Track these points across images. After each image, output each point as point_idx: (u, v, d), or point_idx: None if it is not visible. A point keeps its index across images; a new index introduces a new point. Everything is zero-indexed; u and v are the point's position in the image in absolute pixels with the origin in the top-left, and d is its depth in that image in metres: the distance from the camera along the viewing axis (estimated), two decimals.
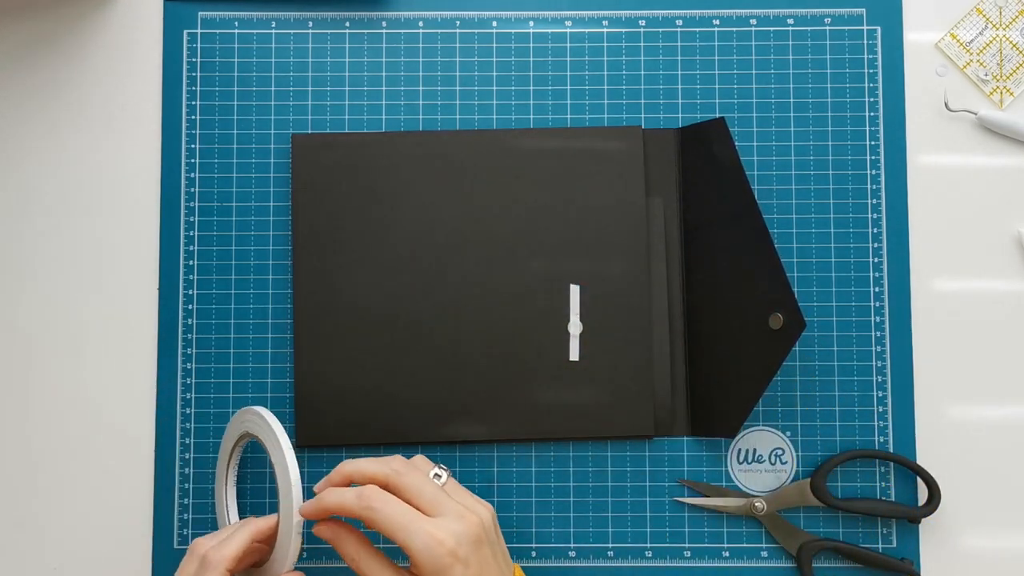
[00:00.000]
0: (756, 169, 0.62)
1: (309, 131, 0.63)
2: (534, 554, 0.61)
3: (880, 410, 0.61)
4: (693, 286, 0.61)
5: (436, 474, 0.51)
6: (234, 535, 0.52)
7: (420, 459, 0.52)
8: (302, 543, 0.53)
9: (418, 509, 0.48)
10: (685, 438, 0.61)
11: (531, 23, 0.64)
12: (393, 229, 0.62)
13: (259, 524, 0.53)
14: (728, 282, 0.60)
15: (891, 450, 0.61)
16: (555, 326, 0.61)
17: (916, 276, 0.62)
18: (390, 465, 0.50)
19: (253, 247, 0.62)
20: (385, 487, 0.49)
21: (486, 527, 0.49)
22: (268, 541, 0.54)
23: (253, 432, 0.56)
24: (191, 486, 0.61)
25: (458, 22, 0.64)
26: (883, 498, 0.61)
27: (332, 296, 0.61)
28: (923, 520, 0.60)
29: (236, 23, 0.64)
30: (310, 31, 0.64)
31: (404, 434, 0.61)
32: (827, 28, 0.63)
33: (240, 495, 0.61)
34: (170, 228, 0.63)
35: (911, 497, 0.61)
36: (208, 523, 0.61)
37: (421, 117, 0.63)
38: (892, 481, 0.61)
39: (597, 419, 0.60)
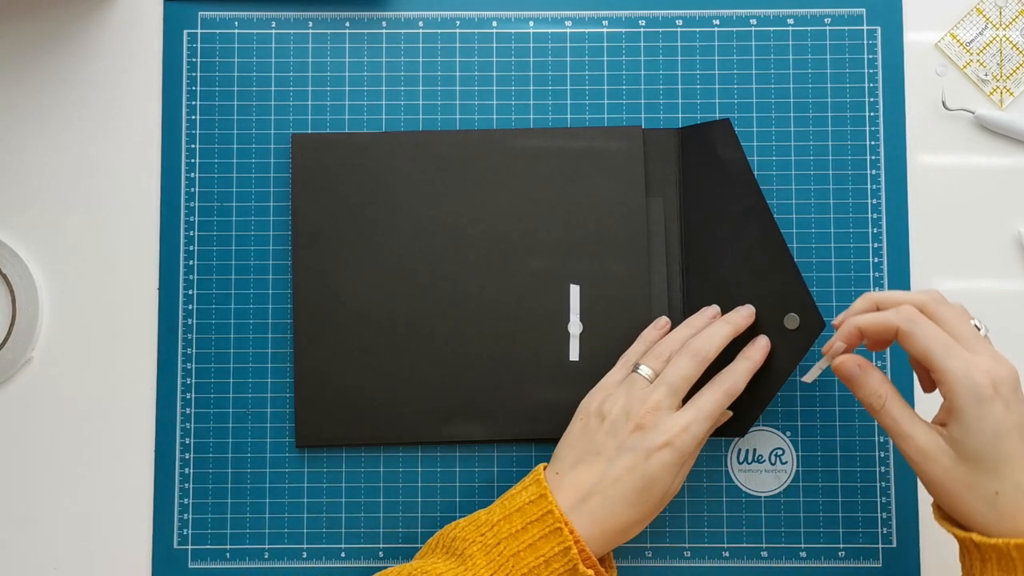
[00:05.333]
0: (756, 169, 0.62)
1: (309, 131, 0.63)
2: None
3: None
4: (693, 286, 0.61)
5: (976, 325, 0.48)
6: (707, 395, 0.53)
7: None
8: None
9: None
10: None
11: (531, 23, 0.64)
12: (393, 229, 0.62)
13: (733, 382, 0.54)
14: (735, 283, 0.60)
15: (891, 451, 0.61)
16: (555, 326, 0.61)
17: (916, 276, 0.62)
18: (927, 294, 0.48)
19: (253, 247, 0.62)
20: (922, 311, 0.47)
21: (1019, 381, 0.45)
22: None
23: None
24: (191, 486, 0.61)
25: (458, 22, 0.64)
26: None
27: (332, 296, 0.61)
28: (924, 519, 0.60)
29: (236, 23, 0.64)
30: (310, 31, 0.64)
31: (404, 434, 0.61)
32: (827, 28, 0.63)
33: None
34: (170, 228, 0.63)
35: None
36: (208, 523, 0.61)
37: (421, 117, 0.63)
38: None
39: None
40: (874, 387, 0.49)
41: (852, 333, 0.50)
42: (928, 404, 0.62)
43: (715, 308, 0.59)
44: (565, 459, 0.53)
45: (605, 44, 0.63)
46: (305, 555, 0.61)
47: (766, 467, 0.61)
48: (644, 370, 0.55)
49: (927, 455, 0.46)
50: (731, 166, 0.61)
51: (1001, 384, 0.44)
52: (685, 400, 0.54)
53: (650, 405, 0.52)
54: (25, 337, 0.61)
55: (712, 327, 0.56)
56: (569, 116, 0.63)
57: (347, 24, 0.64)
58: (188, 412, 0.62)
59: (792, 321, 0.58)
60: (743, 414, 0.59)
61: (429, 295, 0.61)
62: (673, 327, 0.61)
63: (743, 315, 0.58)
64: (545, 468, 0.54)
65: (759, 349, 0.57)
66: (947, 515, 0.47)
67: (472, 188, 0.62)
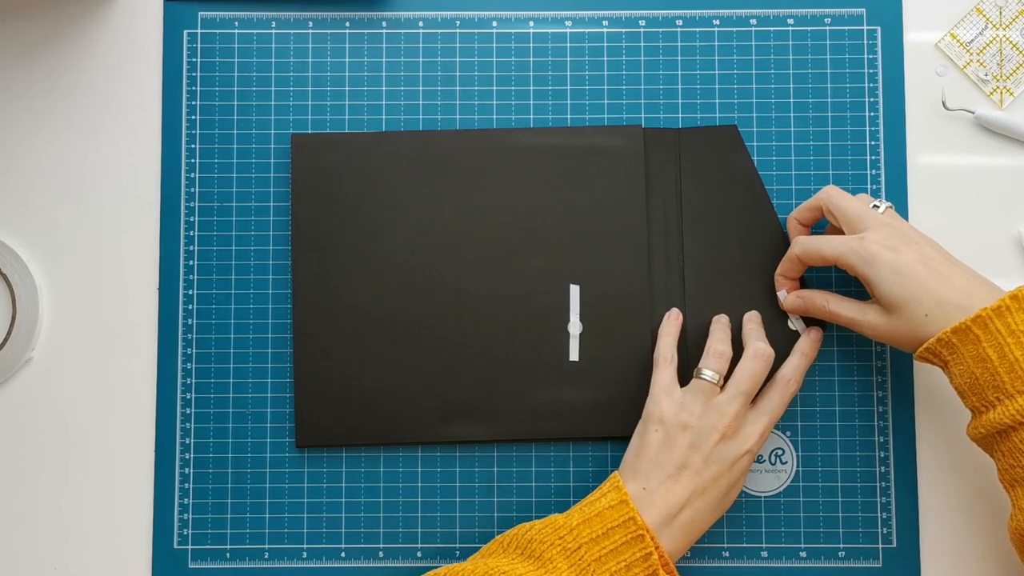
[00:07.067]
0: (757, 169, 0.62)
1: (309, 131, 0.63)
2: None
3: (880, 410, 0.61)
4: (693, 287, 0.61)
5: (875, 204, 0.56)
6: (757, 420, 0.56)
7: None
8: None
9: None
10: None
11: (531, 23, 0.64)
12: (393, 229, 0.62)
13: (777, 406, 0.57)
14: (738, 285, 0.60)
15: (891, 451, 0.61)
16: (555, 326, 0.61)
17: None
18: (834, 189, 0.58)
19: (253, 247, 0.62)
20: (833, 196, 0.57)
21: (904, 227, 0.55)
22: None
23: None
24: (191, 486, 0.61)
25: (458, 22, 0.64)
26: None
27: (332, 296, 0.61)
28: (924, 518, 0.60)
29: (236, 23, 0.64)
30: (310, 31, 0.64)
31: (404, 434, 0.61)
32: (827, 28, 0.63)
33: None
34: (170, 228, 0.63)
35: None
36: (208, 523, 0.61)
37: (421, 117, 0.63)
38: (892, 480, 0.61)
39: (597, 419, 0.60)
40: (816, 302, 0.57)
41: (792, 228, 0.59)
42: (928, 402, 0.62)
43: (725, 317, 0.60)
44: (651, 475, 0.54)
45: (605, 44, 0.63)
46: (305, 555, 0.61)
47: (766, 467, 0.61)
48: (709, 374, 0.56)
49: (873, 323, 0.54)
50: (736, 171, 0.61)
51: (885, 240, 0.53)
52: None
53: (732, 416, 0.54)
54: (25, 337, 0.61)
55: (755, 331, 0.58)
56: (569, 116, 0.63)
57: (347, 24, 0.64)
58: (188, 412, 0.62)
59: (795, 323, 0.59)
60: None
61: (429, 295, 0.61)
62: None
63: (757, 322, 0.59)
64: (619, 474, 0.55)
65: (813, 343, 0.59)
66: (920, 356, 0.53)
67: (472, 188, 0.62)
